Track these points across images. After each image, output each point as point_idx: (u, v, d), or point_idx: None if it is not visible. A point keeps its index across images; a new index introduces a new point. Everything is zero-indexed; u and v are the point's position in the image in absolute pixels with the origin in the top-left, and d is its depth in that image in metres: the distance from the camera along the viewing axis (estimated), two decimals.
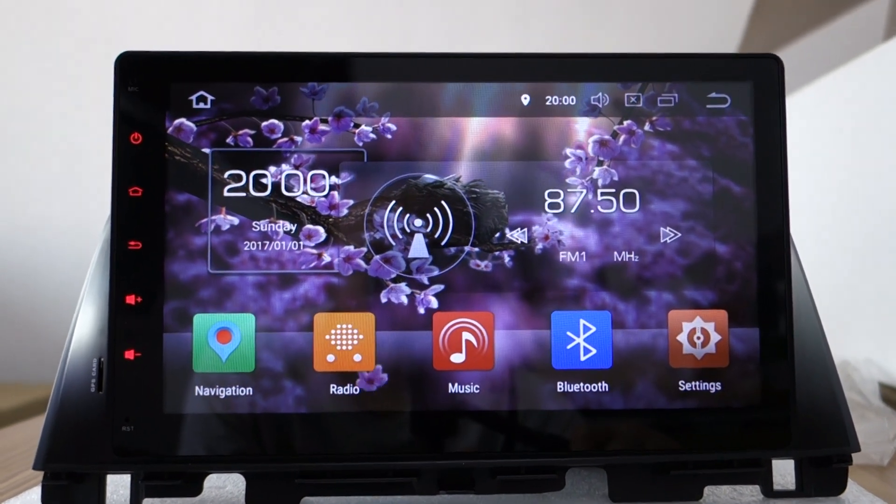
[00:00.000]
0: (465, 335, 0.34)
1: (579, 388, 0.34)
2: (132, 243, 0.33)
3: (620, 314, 0.34)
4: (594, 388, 0.34)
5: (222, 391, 0.33)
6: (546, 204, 0.34)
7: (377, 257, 0.34)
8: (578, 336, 0.34)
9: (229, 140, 0.34)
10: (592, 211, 0.35)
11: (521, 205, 0.34)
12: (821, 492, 0.36)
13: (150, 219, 0.33)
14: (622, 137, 0.35)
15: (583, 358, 0.34)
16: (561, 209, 0.35)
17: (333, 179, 0.34)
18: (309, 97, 0.34)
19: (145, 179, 0.33)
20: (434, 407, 0.33)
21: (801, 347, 0.35)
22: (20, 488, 0.40)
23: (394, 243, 0.34)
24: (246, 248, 0.34)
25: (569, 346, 0.34)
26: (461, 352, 0.34)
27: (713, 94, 0.35)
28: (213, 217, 0.34)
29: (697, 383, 0.34)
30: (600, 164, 0.35)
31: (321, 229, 0.34)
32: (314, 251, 0.34)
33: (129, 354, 0.33)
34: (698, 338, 0.34)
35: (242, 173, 0.34)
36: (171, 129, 0.34)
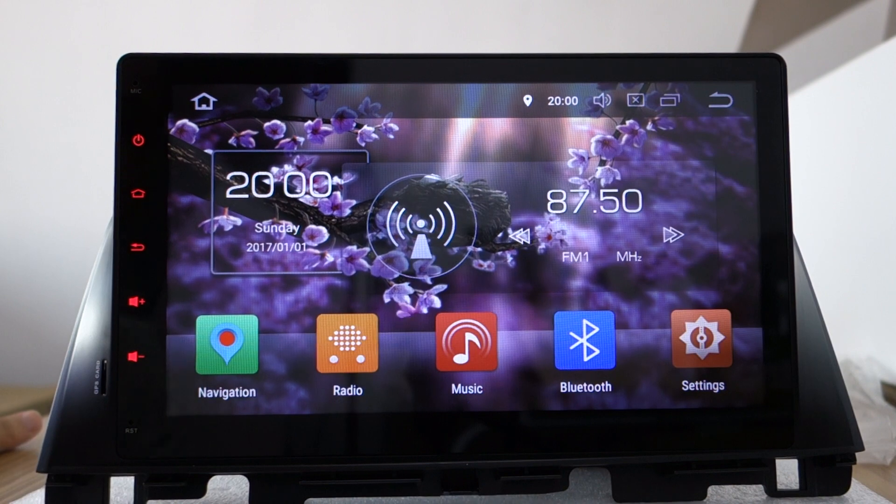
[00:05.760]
0: (469, 336, 0.34)
1: (582, 389, 0.34)
2: (135, 245, 0.33)
3: (623, 314, 0.34)
4: (597, 388, 0.34)
5: (225, 393, 0.33)
6: (549, 204, 0.34)
7: (379, 257, 0.34)
8: (581, 336, 0.34)
9: (231, 141, 0.34)
10: (595, 211, 0.35)
11: (523, 205, 0.34)
12: (824, 491, 0.35)
13: (152, 221, 0.33)
14: (624, 137, 0.35)
15: (586, 358, 0.34)
16: (563, 209, 0.35)
17: (336, 180, 0.34)
18: (311, 98, 0.34)
19: (148, 181, 0.33)
20: (437, 408, 0.33)
21: (804, 347, 0.35)
22: (24, 490, 0.40)
23: (396, 244, 0.34)
24: (249, 250, 0.34)
25: (572, 347, 0.34)
26: (464, 353, 0.34)
27: (715, 94, 0.35)
28: (216, 218, 0.34)
29: (701, 383, 0.34)
30: (602, 163, 0.35)
31: (324, 229, 0.34)
32: (317, 251, 0.34)
33: (133, 356, 0.33)
34: (701, 338, 0.34)
35: (245, 174, 0.34)
36: (173, 130, 0.34)
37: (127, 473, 0.35)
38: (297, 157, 0.34)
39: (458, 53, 0.35)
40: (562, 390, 0.34)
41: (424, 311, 0.34)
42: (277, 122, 0.34)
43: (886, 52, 0.62)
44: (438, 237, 0.34)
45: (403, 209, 0.34)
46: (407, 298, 0.34)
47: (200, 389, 0.33)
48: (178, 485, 0.34)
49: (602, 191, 0.35)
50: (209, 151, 0.34)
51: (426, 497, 0.35)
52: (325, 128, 0.34)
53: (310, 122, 0.34)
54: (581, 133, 0.35)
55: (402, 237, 0.34)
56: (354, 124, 0.34)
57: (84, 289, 0.35)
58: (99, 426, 0.33)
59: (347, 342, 0.33)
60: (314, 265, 0.34)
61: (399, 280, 0.34)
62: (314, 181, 0.34)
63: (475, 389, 0.34)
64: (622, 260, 0.34)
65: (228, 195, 0.34)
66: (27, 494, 0.38)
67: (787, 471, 0.38)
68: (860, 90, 0.66)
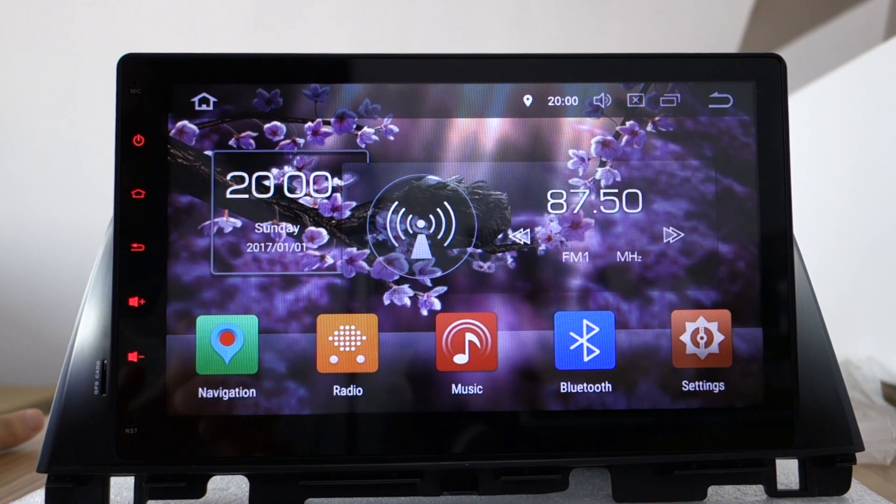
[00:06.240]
0: (469, 336, 0.34)
1: (582, 389, 0.34)
2: (135, 245, 0.33)
3: (623, 314, 0.34)
4: (597, 388, 0.34)
5: (225, 393, 0.33)
6: (549, 205, 0.35)
7: (380, 259, 0.34)
8: (581, 336, 0.34)
9: (232, 142, 0.34)
10: (595, 211, 0.35)
11: (523, 206, 0.34)
12: (824, 491, 0.36)
13: (152, 221, 0.33)
14: (624, 138, 0.35)
15: (586, 358, 0.34)
16: (563, 210, 0.35)
17: (336, 181, 0.34)
18: (311, 99, 0.34)
19: (148, 181, 0.33)
20: (437, 408, 0.33)
21: (804, 347, 0.35)
22: (24, 490, 0.40)
23: (396, 245, 0.34)
24: (248, 250, 0.34)
25: (572, 347, 0.34)
26: (464, 353, 0.34)
27: (716, 94, 0.35)
28: (216, 219, 0.34)
29: (701, 383, 0.34)
30: (603, 164, 0.35)
31: (324, 231, 0.34)
32: (317, 253, 0.34)
33: (133, 357, 0.33)
34: (701, 338, 0.34)
35: (245, 175, 0.34)
36: (173, 131, 0.34)
37: (127, 473, 0.35)
38: (297, 158, 0.34)
39: (458, 53, 0.35)
40: (562, 390, 0.34)
41: (424, 313, 0.34)
42: (277, 123, 0.34)
43: (886, 52, 0.62)
44: (438, 237, 0.34)
45: (403, 210, 0.34)
46: (407, 300, 0.34)
47: (200, 389, 0.33)
48: (178, 485, 0.34)
49: (602, 191, 0.35)
50: (209, 153, 0.34)
51: (426, 497, 0.35)
52: (325, 129, 0.34)
53: (310, 124, 0.34)
54: (581, 134, 0.35)
55: (403, 238, 0.34)
56: (354, 125, 0.34)
57: (84, 289, 0.35)
58: (99, 426, 0.33)
59: (347, 342, 0.33)
60: (314, 267, 0.34)
61: (399, 282, 0.34)
62: (314, 182, 0.34)
63: (475, 389, 0.34)
64: (622, 260, 0.34)
65: (228, 196, 0.34)
66: (27, 494, 0.38)
67: (787, 471, 0.38)
68: (860, 90, 0.66)
